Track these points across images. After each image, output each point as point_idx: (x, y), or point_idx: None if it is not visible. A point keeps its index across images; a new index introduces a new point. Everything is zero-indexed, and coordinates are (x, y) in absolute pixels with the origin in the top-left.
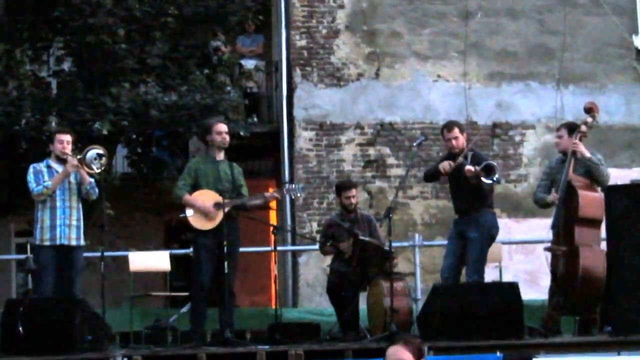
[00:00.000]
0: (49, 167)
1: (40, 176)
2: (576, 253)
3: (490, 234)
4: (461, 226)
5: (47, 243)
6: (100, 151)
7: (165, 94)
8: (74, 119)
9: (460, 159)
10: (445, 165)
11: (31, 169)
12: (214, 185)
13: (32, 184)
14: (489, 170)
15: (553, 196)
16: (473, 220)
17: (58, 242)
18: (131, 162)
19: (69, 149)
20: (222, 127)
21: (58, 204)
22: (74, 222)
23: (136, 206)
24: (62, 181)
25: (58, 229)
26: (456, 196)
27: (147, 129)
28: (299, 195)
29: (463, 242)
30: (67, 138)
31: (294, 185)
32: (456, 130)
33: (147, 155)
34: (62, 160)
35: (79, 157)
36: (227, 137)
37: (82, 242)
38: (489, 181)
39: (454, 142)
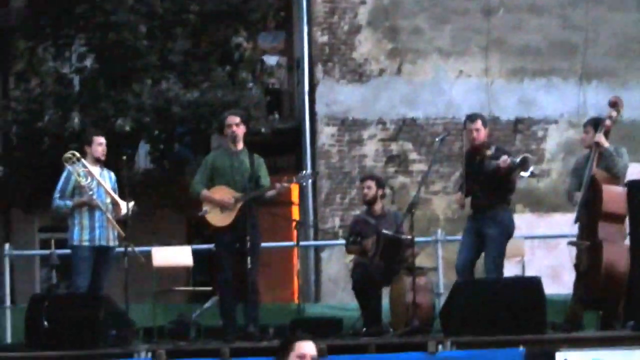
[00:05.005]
0: (85, 169)
1: (71, 185)
2: (599, 248)
3: (507, 232)
4: (478, 222)
5: (86, 244)
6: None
7: (187, 90)
8: (96, 115)
9: (487, 152)
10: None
11: (66, 172)
12: (231, 177)
13: (57, 193)
14: (524, 164)
15: (576, 195)
16: (491, 218)
17: (97, 244)
18: (153, 158)
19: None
20: (229, 120)
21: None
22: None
23: (159, 202)
24: (83, 205)
25: (97, 231)
26: (476, 192)
27: (169, 125)
28: (310, 181)
29: (480, 239)
30: (104, 140)
31: (303, 173)
32: (479, 123)
33: (170, 151)
34: (98, 162)
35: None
36: (236, 129)
37: (117, 242)
38: (527, 174)
39: (475, 133)
